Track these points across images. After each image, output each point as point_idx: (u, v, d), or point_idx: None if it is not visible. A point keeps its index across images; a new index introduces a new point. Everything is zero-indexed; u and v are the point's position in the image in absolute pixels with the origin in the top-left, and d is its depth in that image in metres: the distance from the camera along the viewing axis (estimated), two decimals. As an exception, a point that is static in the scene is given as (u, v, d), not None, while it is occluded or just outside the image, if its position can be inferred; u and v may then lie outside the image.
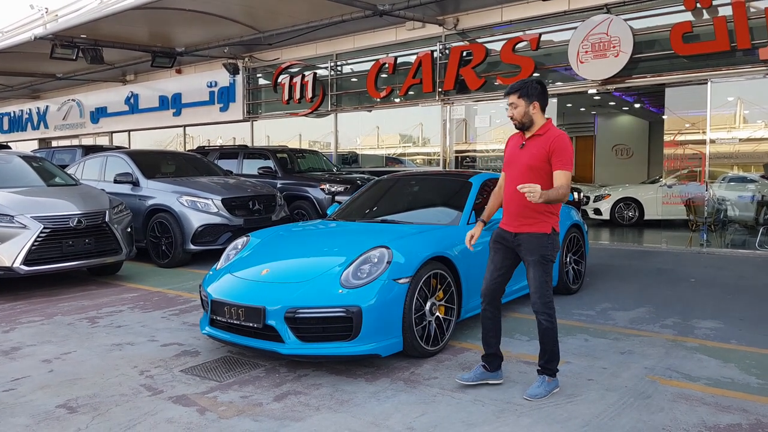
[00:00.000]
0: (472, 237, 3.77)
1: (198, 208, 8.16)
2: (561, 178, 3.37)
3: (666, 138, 10.16)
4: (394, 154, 14.15)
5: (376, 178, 6.32)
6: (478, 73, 10.81)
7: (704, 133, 9.42)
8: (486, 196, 4.91)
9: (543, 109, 3.52)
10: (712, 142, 9.38)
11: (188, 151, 12.90)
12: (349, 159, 14.35)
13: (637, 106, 17.18)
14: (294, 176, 10.93)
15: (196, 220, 8.09)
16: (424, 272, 4.07)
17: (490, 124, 11.39)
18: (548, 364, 3.63)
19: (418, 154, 13.96)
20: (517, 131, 3.63)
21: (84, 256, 6.68)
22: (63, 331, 5.03)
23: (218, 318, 4.06)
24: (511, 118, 3.53)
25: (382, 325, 3.84)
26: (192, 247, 8.08)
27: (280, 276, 4.12)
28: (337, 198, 10.27)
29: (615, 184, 15.04)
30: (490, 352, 3.75)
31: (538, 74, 10.31)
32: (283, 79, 13.65)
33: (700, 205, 9.57)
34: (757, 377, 3.85)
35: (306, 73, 13.28)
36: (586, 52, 9.68)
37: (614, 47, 9.45)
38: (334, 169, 12.13)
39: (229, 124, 15.44)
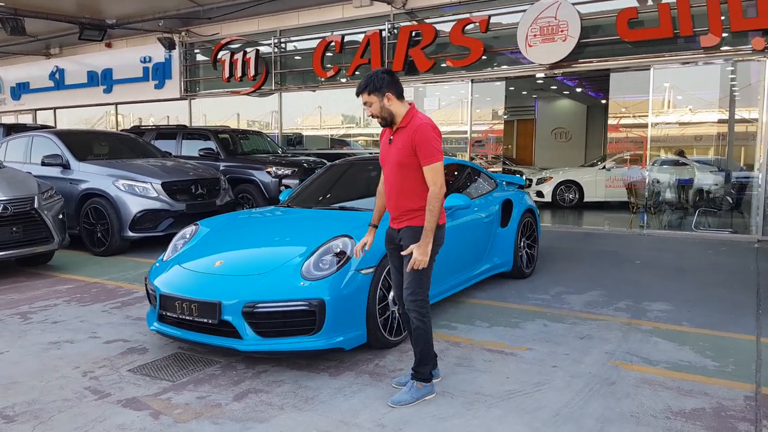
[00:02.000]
0: (364, 245, 3.47)
1: (136, 193, 7.71)
2: (428, 174, 3.10)
3: (610, 122, 10.35)
4: (339, 135, 13.89)
5: (329, 163, 6.11)
6: (428, 54, 10.67)
7: (646, 117, 9.67)
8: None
9: (399, 97, 3.20)
10: (654, 126, 9.64)
11: (122, 131, 12.20)
12: (294, 140, 13.99)
13: (578, 90, 17.52)
14: (237, 158, 10.53)
15: (134, 206, 7.64)
16: (387, 261, 3.93)
17: (438, 107, 11.31)
18: (419, 367, 3.31)
19: (362, 135, 13.76)
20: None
21: (12, 245, 6.18)
22: (-9, 328, 4.62)
23: (168, 314, 3.80)
24: (373, 117, 3.26)
25: (346, 318, 3.68)
26: (130, 234, 7.64)
27: (235, 268, 3.88)
28: (285, 182, 9.98)
29: (555, 167, 15.37)
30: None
31: (485, 57, 10.28)
32: (223, 55, 13.09)
33: (641, 187, 9.86)
34: (712, 359, 3.95)
35: (248, 49, 12.77)
36: (535, 35, 9.71)
37: (562, 31, 9.51)
38: (279, 151, 11.79)
39: (165, 102, 14.71)
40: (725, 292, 5.67)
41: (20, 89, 17.89)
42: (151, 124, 15.01)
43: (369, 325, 3.82)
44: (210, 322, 3.59)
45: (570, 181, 13.53)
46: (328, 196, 5.34)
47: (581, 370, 3.75)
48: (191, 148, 10.82)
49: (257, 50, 12.68)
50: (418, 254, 3.08)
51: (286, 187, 9.99)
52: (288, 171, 10.04)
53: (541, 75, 10.81)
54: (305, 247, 3.89)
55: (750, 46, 8.57)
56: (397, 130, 3.22)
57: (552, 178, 13.73)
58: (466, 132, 11.17)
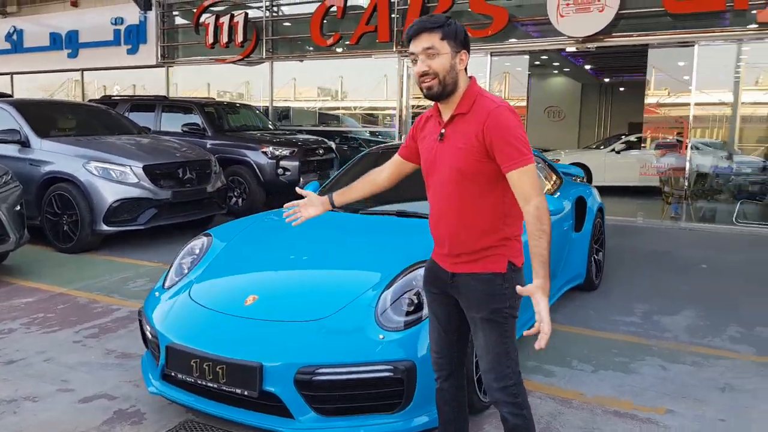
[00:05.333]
0: (297, 220, 2.39)
1: (112, 178, 6.39)
2: (521, 181, 1.92)
3: (648, 102, 9.32)
4: (316, 108, 12.54)
5: (366, 151, 4.89)
6: (443, 21, 9.42)
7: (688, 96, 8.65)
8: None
9: (466, 70, 2.07)
10: (696, 106, 8.63)
11: (89, 101, 10.69)
12: (280, 115, 12.65)
13: (588, 67, 16.47)
14: (227, 136, 9.22)
15: (110, 194, 6.32)
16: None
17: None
18: None
19: (340, 109, 12.49)
20: (427, 110, 2.22)
21: (-46, 247, 4.86)
22: None
23: (178, 374, 2.60)
24: (423, 77, 2.00)
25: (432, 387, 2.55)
26: (105, 227, 6.34)
27: (277, 308, 2.69)
28: (283, 163, 8.73)
29: (554, 149, 14.42)
30: None
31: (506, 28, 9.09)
32: (207, 19, 11.60)
33: (680, 175, 8.89)
34: None
35: (235, 12, 11.31)
36: (568, 4, 8.55)
37: (599, 1, 8.39)
38: (271, 127, 10.47)
39: (139, 69, 13.15)
40: (839, 313, 4.71)
41: (-29, 52, 16.00)
42: (116, 93, 13.38)
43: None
44: (246, 394, 2.42)
45: (577, 164, 12.55)
46: (377, 195, 4.13)
47: (761, 452, 2.71)
48: (172, 122, 9.45)
49: (246, 14, 11.24)
50: (545, 311, 1.86)
51: (285, 169, 8.77)
52: (286, 151, 8.78)
53: (572, 49, 9.68)
54: (378, 275, 2.72)
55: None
56: (454, 119, 2.04)
57: (560, 160, 12.72)
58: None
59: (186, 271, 3.13)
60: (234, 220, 3.81)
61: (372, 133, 12.40)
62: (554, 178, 4.90)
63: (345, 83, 12.08)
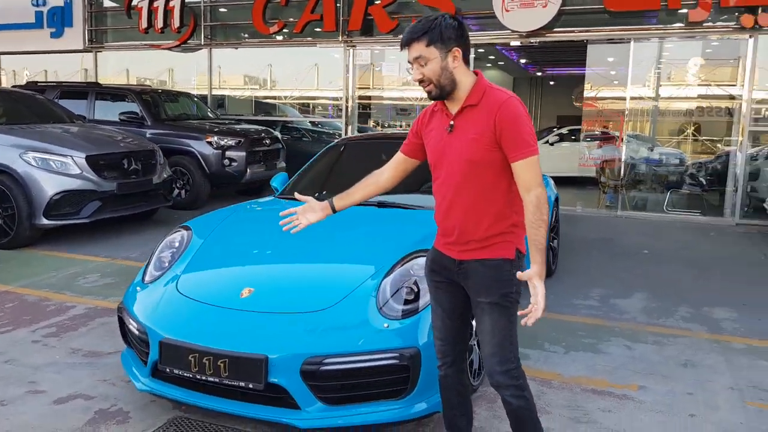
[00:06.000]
0: (297, 226, 2.37)
1: (52, 169, 6.04)
2: (525, 172, 1.99)
3: (586, 96, 9.73)
4: (243, 97, 12.29)
5: (334, 142, 4.83)
6: (390, 13, 9.45)
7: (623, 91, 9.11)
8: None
9: (466, 60, 2.09)
10: (632, 100, 9.10)
11: (14, 87, 9.98)
12: (216, 104, 12.28)
13: (523, 61, 16.96)
14: (168, 125, 8.87)
15: (50, 186, 5.97)
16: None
17: (399, 72, 10.17)
18: None
19: (270, 98, 12.34)
20: (431, 104, 2.24)
21: None
22: None
23: (174, 370, 2.51)
24: (420, 83, 2.09)
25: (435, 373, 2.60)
26: (45, 221, 5.99)
27: (277, 300, 2.65)
28: (229, 153, 8.52)
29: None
30: None
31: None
32: (140, 2, 11.09)
33: (615, 166, 9.36)
34: None
35: (171, -4, 10.87)
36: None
37: (543, -4, 8.67)
38: (211, 116, 10.16)
39: (64, 54, 12.39)
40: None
41: None
42: (40, 79, 12.55)
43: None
44: (252, 387, 2.37)
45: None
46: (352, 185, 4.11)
47: (729, 421, 2.92)
48: (107, 111, 9.00)
49: (182, -2, 10.82)
50: (542, 295, 1.96)
51: (231, 160, 8.55)
52: (232, 141, 8.57)
53: (516, 43, 9.95)
54: (372, 267, 2.73)
55: (733, 23, 8.17)
56: (463, 111, 2.09)
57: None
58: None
59: (167, 265, 3.01)
60: (209, 212, 3.69)
61: (313, 123, 12.28)
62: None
63: (285, 72, 11.89)
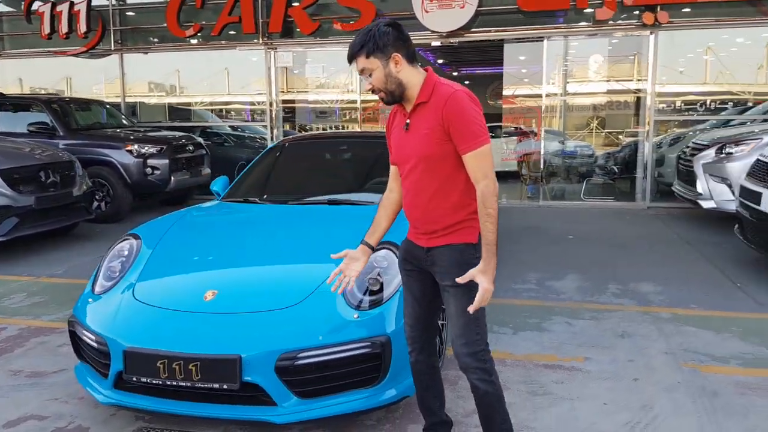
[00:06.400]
0: (348, 282, 2.35)
1: (-39, 184, 5.62)
2: (474, 162, 2.07)
3: (505, 93, 10.13)
4: (151, 104, 11.88)
5: (273, 144, 4.81)
6: (311, 15, 9.44)
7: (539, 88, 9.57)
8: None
9: (411, 61, 2.16)
10: (548, 96, 9.57)
11: None
12: (130, 111, 11.77)
13: (440, 62, 17.38)
14: (82, 134, 8.44)
15: (-40, 202, 5.56)
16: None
17: (322, 75, 10.15)
18: None
19: (181, 105, 12.04)
20: (393, 107, 2.30)
21: None
22: None
23: (141, 378, 2.44)
24: (374, 93, 2.19)
25: (406, 354, 2.67)
26: (-43, 240, 5.56)
27: (244, 300, 2.62)
28: (151, 162, 8.21)
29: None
30: (434, 420, 2.49)
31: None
32: (41, 6, 10.47)
33: (535, 159, 9.81)
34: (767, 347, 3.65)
35: (75, 0, 10.33)
36: (432, 0, 9.02)
37: (461, -3, 8.96)
38: (126, 123, 9.75)
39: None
40: (684, 267, 5.56)
41: None
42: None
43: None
44: (227, 387, 2.34)
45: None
46: (300, 186, 4.11)
47: (668, 382, 3.19)
48: (12, 122, 8.46)
49: (89, 1, 10.32)
50: (487, 282, 2.05)
51: (153, 168, 8.25)
52: (154, 149, 8.27)
53: (437, 44, 10.20)
54: (333, 264, 2.75)
55: (636, 20, 8.82)
56: (416, 109, 2.17)
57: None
58: (356, 101, 10.23)
59: (118, 274, 2.91)
60: (152, 219, 3.56)
61: (233, 128, 12.02)
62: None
63: (195, 77, 11.54)
